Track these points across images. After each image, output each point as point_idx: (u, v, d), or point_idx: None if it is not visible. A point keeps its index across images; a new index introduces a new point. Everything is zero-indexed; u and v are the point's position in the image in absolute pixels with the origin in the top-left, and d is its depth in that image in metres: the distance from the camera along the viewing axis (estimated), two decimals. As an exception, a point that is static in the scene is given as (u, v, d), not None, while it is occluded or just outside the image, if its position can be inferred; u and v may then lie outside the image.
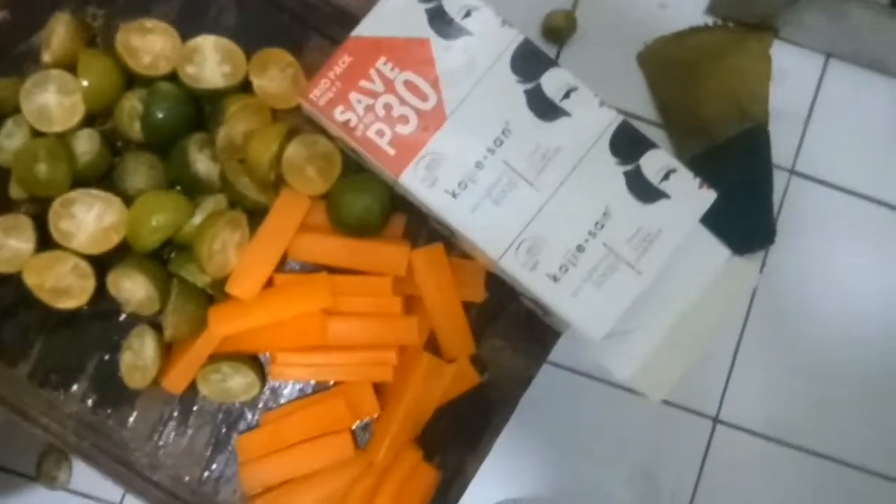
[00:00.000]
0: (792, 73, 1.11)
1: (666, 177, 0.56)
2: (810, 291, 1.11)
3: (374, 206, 0.58)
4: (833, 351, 1.11)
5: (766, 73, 1.07)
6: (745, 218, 1.06)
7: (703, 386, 1.11)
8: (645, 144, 0.56)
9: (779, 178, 1.09)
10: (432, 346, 0.61)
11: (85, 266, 0.57)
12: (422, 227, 0.62)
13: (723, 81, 1.07)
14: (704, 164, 1.05)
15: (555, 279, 0.55)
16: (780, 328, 1.10)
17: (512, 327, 0.63)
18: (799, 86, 1.12)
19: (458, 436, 0.62)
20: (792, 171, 1.11)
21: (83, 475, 1.06)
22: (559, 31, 1.10)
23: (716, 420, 1.10)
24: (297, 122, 0.61)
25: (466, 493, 0.62)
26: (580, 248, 0.55)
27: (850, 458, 1.11)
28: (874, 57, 1.10)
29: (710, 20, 1.12)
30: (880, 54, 1.09)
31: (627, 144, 0.56)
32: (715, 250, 0.62)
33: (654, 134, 1.10)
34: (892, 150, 1.12)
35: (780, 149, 1.09)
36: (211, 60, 0.59)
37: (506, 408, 0.63)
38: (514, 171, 0.55)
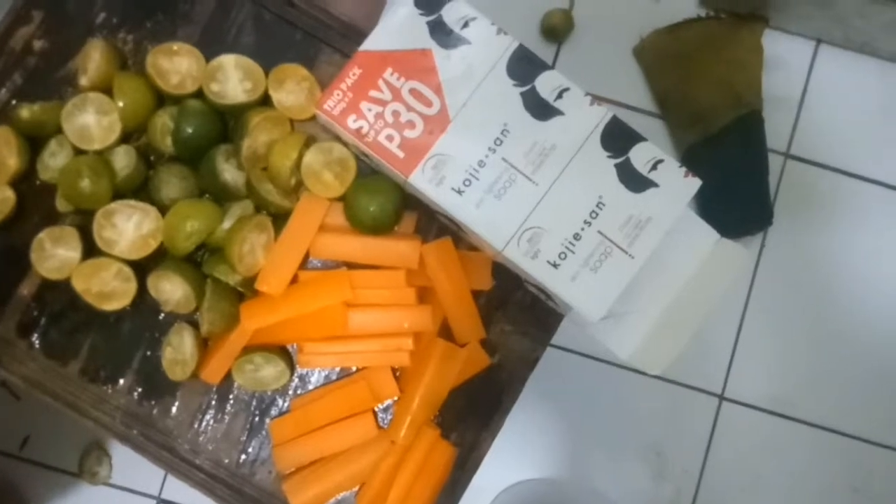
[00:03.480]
0: (784, 59, 1.16)
1: (654, 167, 0.61)
2: (809, 270, 1.15)
3: (387, 205, 0.63)
4: (833, 326, 1.15)
5: (759, 61, 1.12)
6: (743, 201, 1.10)
7: (708, 365, 1.15)
8: (634, 138, 0.61)
9: (775, 162, 1.14)
10: (445, 332, 0.66)
11: (127, 271, 0.63)
12: (432, 223, 0.67)
13: (717, 71, 1.11)
14: (702, 152, 1.10)
15: (555, 266, 0.60)
16: (782, 307, 1.14)
17: (518, 312, 0.67)
18: (791, 72, 1.16)
19: (472, 414, 0.67)
20: (787, 155, 1.15)
21: (123, 471, 1.12)
22: (557, 29, 1.15)
23: (721, 397, 1.15)
24: (313, 131, 0.66)
25: (482, 475, 0.67)
26: (577, 237, 0.60)
27: (853, 430, 1.15)
28: (863, 41, 1.14)
29: (702, 12, 1.16)
30: (868, 38, 1.13)
31: (617, 138, 0.61)
32: (704, 233, 0.66)
33: (652, 125, 1.15)
34: (883, 129, 1.16)
35: (775, 133, 1.13)
36: (233, 78, 0.64)
37: (515, 387, 0.67)
38: (513, 168, 0.60)
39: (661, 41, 1.15)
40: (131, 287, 0.64)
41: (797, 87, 1.16)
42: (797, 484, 1.15)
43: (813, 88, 1.16)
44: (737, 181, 1.09)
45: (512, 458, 1.14)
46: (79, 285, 0.63)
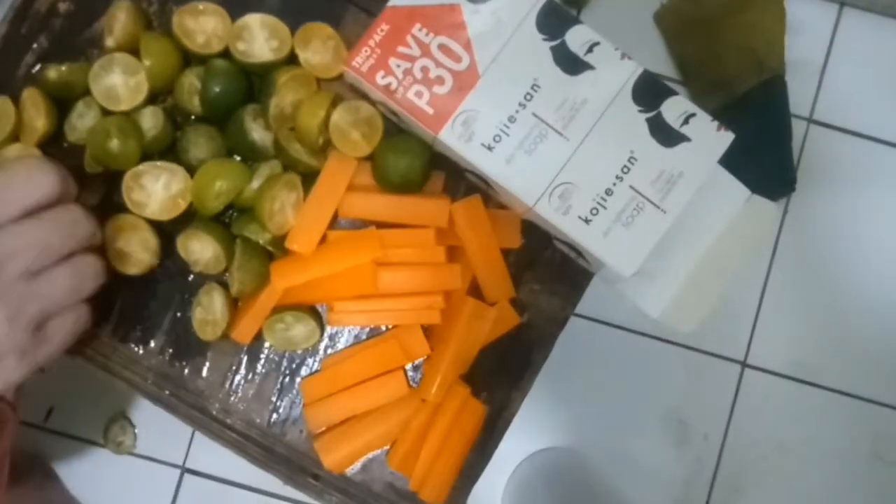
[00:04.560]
0: (807, 23, 1.14)
1: (686, 121, 0.61)
2: (832, 235, 1.14)
3: (415, 164, 0.63)
4: (857, 292, 1.14)
5: (781, 25, 1.10)
6: (766, 167, 1.09)
7: (731, 332, 1.15)
8: (665, 92, 0.60)
9: (797, 127, 1.12)
10: (475, 291, 0.66)
11: (153, 243, 0.63)
12: (460, 182, 0.67)
13: (739, 36, 1.10)
14: (724, 118, 1.07)
15: (587, 221, 0.60)
16: (805, 272, 1.14)
17: (548, 271, 0.67)
18: (814, 35, 1.15)
19: (502, 373, 0.67)
20: (810, 120, 1.14)
21: (147, 441, 1.13)
22: (577, -5, 1.14)
23: (744, 364, 1.14)
24: (340, 91, 0.66)
25: (502, 444, 0.67)
26: (609, 192, 0.60)
27: (876, 396, 1.14)
28: (887, 3, 1.12)
29: (723, -24, 1.15)
30: (893, 1, 1.11)
31: (648, 93, 0.60)
32: (735, 190, 0.66)
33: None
34: (909, 94, 1.15)
35: (798, 98, 1.12)
36: (259, 37, 0.64)
37: (545, 346, 0.67)
38: (544, 123, 0.60)
39: (681, 6, 1.13)
40: (147, 259, 0.63)
41: (820, 51, 1.14)
42: (819, 450, 1.15)
43: (836, 52, 1.14)
44: (759, 147, 1.08)
45: (533, 427, 1.14)
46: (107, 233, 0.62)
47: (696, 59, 1.12)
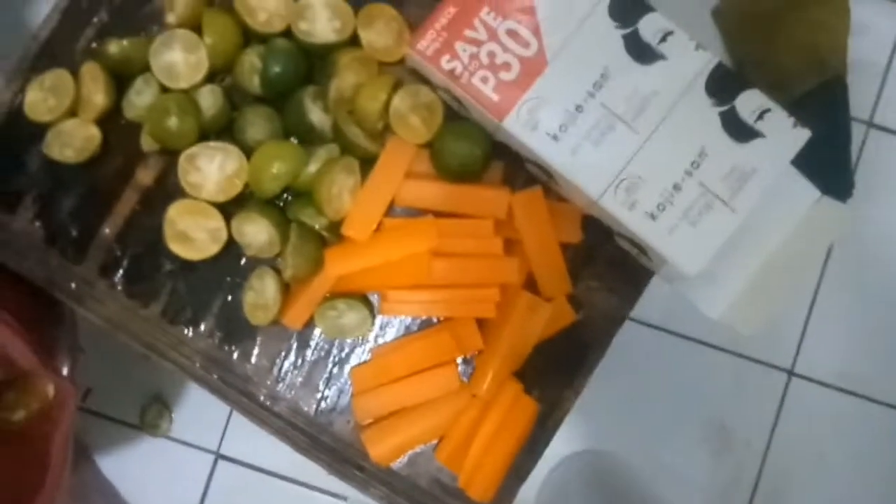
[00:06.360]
0: (871, 25, 1.10)
1: (760, 116, 0.58)
2: (888, 244, 1.11)
3: (475, 151, 0.62)
4: (911, 304, 1.11)
5: (845, 25, 1.06)
6: (823, 171, 1.05)
7: (778, 339, 1.12)
8: (740, 85, 0.58)
9: (856, 131, 1.09)
10: (531, 286, 0.64)
11: (223, 235, 0.62)
12: (519, 173, 0.65)
13: (801, 34, 1.06)
14: (780, 119, 1.05)
15: (653, 217, 0.58)
16: (858, 281, 1.10)
17: (607, 268, 0.65)
18: (878, 37, 1.11)
19: (555, 371, 0.65)
20: (870, 124, 1.11)
21: (183, 426, 1.12)
22: (632, -11, 1.11)
23: (791, 373, 1.11)
24: (400, 74, 0.64)
25: None
26: (677, 187, 0.58)
27: (928, 411, 1.11)
28: (956, 6, 1.08)
29: (785, -28, 1.11)
30: (963, 3, 1.07)
31: (723, 85, 0.58)
32: (805, 190, 0.63)
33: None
34: (974, 101, 1.11)
35: (859, 101, 1.08)
36: (322, 16, 0.62)
37: (600, 345, 0.65)
38: (612, 114, 0.58)
39: (741, 2, 1.10)
40: (214, 249, 0.63)
41: (884, 53, 1.10)
42: (864, 465, 1.11)
43: (901, 55, 1.11)
44: (817, 149, 1.04)
45: (572, 429, 1.12)
46: (172, 213, 0.62)
47: (754, 57, 1.08)
